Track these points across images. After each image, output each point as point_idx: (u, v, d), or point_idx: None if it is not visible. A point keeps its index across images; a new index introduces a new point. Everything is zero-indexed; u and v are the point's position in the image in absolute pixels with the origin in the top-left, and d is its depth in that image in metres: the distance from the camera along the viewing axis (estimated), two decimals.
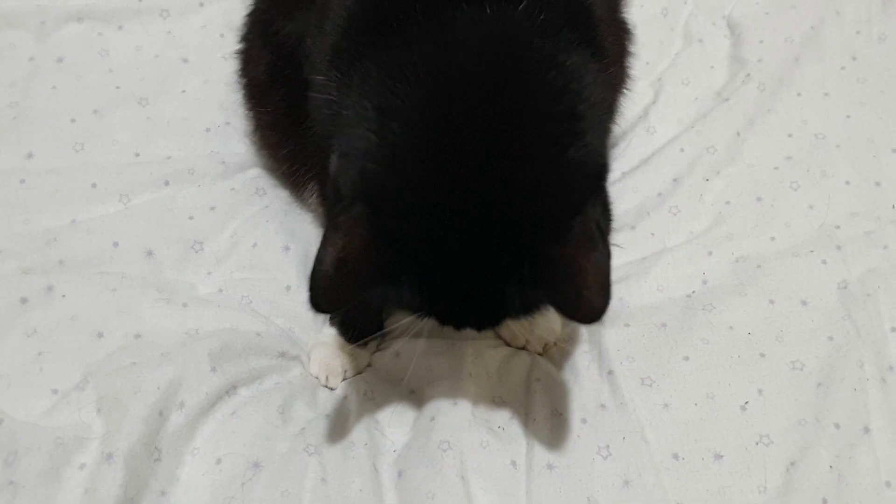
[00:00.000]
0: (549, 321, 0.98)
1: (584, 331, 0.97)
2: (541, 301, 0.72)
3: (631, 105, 1.20)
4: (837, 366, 0.90)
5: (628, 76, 1.05)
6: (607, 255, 0.70)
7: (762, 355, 0.91)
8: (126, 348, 0.89)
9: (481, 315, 0.75)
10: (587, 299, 0.68)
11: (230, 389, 0.88)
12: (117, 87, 1.14)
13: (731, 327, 0.94)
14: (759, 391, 0.88)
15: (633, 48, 1.08)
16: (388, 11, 0.72)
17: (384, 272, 0.69)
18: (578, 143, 0.69)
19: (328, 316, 0.98)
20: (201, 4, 1.24)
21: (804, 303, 0.96)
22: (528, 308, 0.73)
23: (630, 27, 1.04)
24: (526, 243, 0.68)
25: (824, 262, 1.01)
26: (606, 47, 0.81)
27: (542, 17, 0.70)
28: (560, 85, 0.70)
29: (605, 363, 0.92)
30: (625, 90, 1.06)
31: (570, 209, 0.68)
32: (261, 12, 1.02)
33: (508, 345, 0.97)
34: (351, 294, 0.70)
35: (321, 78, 0.77)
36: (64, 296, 0.92)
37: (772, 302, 0.96)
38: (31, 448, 0.79)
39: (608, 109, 0.77)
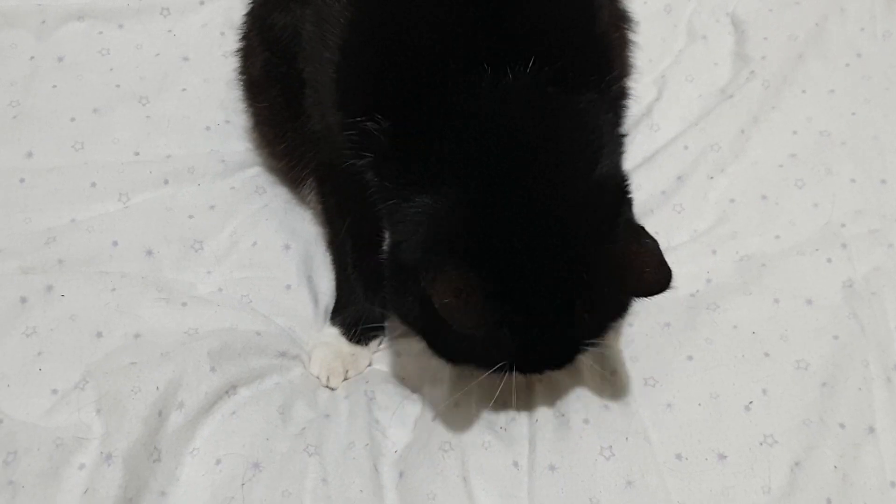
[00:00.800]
0: None
1: None
2: (607, 316, 0.80)
3: (634, 102, 1.19)
4: (842, 365, 0.90)
5: (631, 65, 1.04)
6: (655, 241, 0.78)
7: (766, 355, 0.91)
8: (125, 348, 0.88)
9: (561, 349, 0.81)
10: (651, 274, 0.76)
11: (230, 389, 0.88)
12: (117, 86, 1.13)
13: (735, 326, 0.93)
14: (764, 391, 0.88)
15: (634, 36, 1.07)
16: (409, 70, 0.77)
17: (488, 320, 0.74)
18: (600, 165, 0.79)
19: (329, 315, 0.97)
20: (202, 3, 1.23)
21: (809, 302, 0.96)
22: (598, 327, 0.80)
23: (630, 16, 1.03)
24: (586, 252, 0.76)
25: (829, 260, 1.00)
26: (614, 62, 0.90)
27: (556, 72, 0.78)
28: (578, 126, 0.79)
29: (608, 363, 0.91)
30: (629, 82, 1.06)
31: (611, 215, 0.78)
32: (258, 7, 1.01)
33: None
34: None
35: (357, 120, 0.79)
36: (63, 295, 0.91)
37: (776, 301, 0.96)
38: (30, 448, 0.79)
39: (618, 138, 0.85)
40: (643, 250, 0.77)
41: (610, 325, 0.82)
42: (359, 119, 0.78)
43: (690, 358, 0.91)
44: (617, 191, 0.81)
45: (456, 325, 0.72)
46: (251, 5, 1.04)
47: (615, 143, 0.83)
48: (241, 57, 1.04)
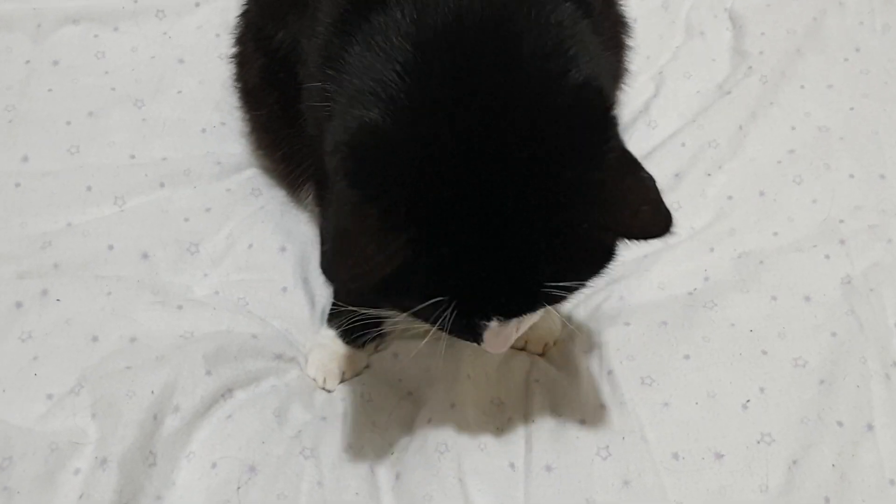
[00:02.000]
0: (549, 321, 0.97)
1: (585, 329, 0.96)
2: (584, 258, 0.67)
3: (632, 99, 1.19)
4: (840, 362, 0.89)
5: (626, 70, 1.03)
6: (653, 179, 0.66)
7: (764, 352, 0.90)
8: (121, 352, 0.88)
9: (517, 290, 0.66)
10: (648, 213, 0.65)
11: (226, 392, 0.88)
12: (113, 89, 1.13)
13: (732, 324, 0.93)
14: (761, 389, 0.87)
15: (631, 42, 1.07)
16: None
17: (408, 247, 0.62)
18: (577, 71, 0.65)
19: (326, 317, 0.97)
20: (197, 5, 1.23)
21: (807, 298, 0.95)
22: (570, 269, 0.66)
23: (628, 20, 1.02)
24: (557, 173, 0.63)
25: (827, 256, 0.99)
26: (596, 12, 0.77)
27: None
28: (547, 22, 0.67)
29: (604, 363, 0.91)
30: (623, 84, 1.06)
31: (596, 136, 0.65)
32: (253, 15, 1.00)
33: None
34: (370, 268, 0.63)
35: (317, 84, 0.75)
36: (59, 300, 0.92)
37: (774, 298, 0.95)
38: (25, 453, 0.79)
39: (600, 52, 0.72)
40: (639, 185, 0.65)
41: (588, 270, 0.68)
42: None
43: (687, 357, 0.90)
44: (601, 108, 0.67)
45: (344, 242, 0.61)
46: (245, 9, 1.03)
47: (597, 55, 0.70)
48: (237, 63, 1.03)
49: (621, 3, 1.02)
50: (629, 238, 0.67)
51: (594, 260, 0.68)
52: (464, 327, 0.69)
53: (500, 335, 0.71)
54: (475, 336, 0.71)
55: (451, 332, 0.70)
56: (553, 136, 0.63)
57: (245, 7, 1.02)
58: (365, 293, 0.72)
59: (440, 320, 0.66)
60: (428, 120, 0.63)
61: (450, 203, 0.62)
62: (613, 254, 0.69)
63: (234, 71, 1.05)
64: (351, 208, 0.62)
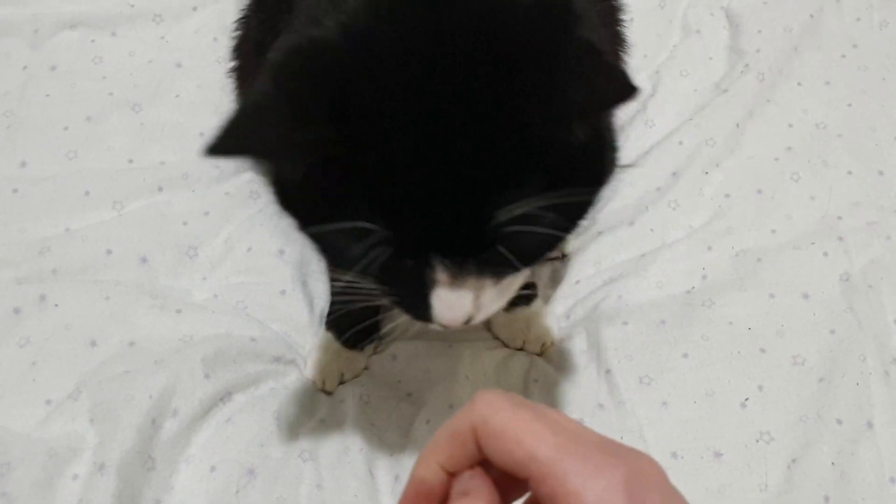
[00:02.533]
0: (546, 320, 0.97)
1: (583, 329, 0.96)
2: (538, 181, 0.55)
3: None
4: (839, 360, 0.89)
5: (623, 61, 1.03)
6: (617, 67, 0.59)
7: (762, 351, 0.90)
8: (119, 356, 0.88)
9: (464, 221, 0.56)
10: (605, 79, 0.55)
11: (224, 396, 0.88)
12: (110, 94, 1.13)
13: (730, 323, 0.93)
14: (760, 387, 0.87)
15: (628, 33, 1.06)
16: None
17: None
18: None
19: (325, 320, 0.97)
20: (194, 8, 1.23)
21: (805, 296, 0.95)
22: (522, 191, 0.55)
23: (626, 40, 1.02)
24: (509, 73, 0.55)
25: (826, 254, 0.99)
26: None
27: None
28: None
29: (602, 362, 0.91)
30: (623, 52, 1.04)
31: (551, 29, 0.56)
32: (252, 27, 0.98)
33: (506, 346, 0.97)
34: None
35: None
36: (57, 305, 0.92)
37: (772, 296, 0.95)
38: (23, 459, 0.79)
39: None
40: (595, 60, 0.56)
41: (551, 185, 0.55)
42: None
43: (686, 355, 0.90)
44: (560, 4, 0.58)
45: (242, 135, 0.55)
46: (244, 20, 1.00)
47: None
48: (237, 77, 1.02)
49: (621, 23, 1.01)
50: (589, 111, 0.57)
51: (557, 174, 0.56)
52: (404, 283, 0.59)
53: (453, 299, 0.59)
54: (422, 302, 0.60)
55: (391, 293, 0.61)
56: (504, 37, 0.56)
57: (243, 16, 1.01)
58: (283, 196, 0.63)
59: (371, 263, 0.57)
60: (363, 26, 0.56)
61: (381, 105, 0.54)
62: (581, 166, 0.58)
63: (233, 85, 1.04)
64: (262, 96, 0.56)
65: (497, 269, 0.60)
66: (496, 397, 0.44)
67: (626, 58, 1.06)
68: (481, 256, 0.58)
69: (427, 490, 0.45)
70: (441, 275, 0.58)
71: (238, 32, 1.02)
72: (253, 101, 0.58)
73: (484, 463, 0.44)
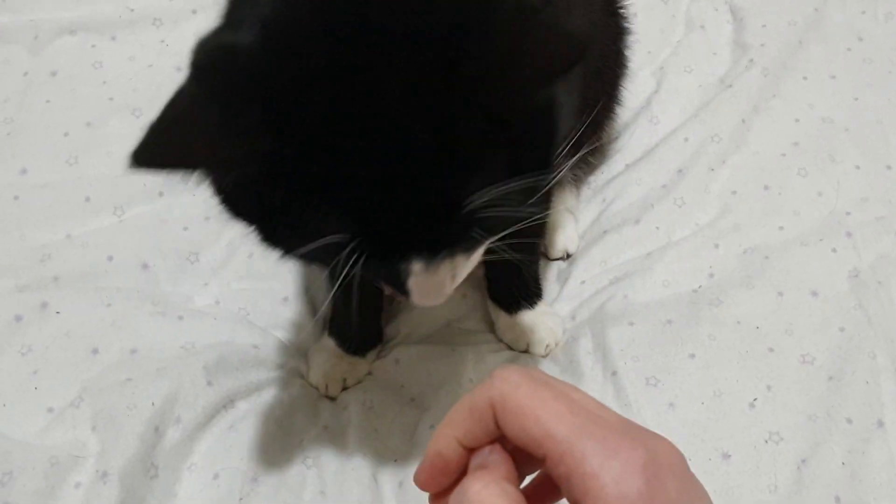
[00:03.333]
0: (551, 322, 0.96)
1: (588, 330, 0.94)
2: (503, 159, 0.53)
3: (633, 95, 1.18)
4: (849, 358, 0.88)
5: (624, 74, 1.03)
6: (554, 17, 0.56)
7: (771, 350, 0.89)
8: (121, 364, 0.88)
9: (435, 215, 0.53)
10: (547, 46, 0.52)
11: (227, 403, 0.87)
12: (111, 99, 1.13)
13: (738, 322, 0.91)
14: (768, 387, 0.86)
15: (632, 29, 1.06)
16: None
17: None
18: None
19: (327, 325, 0.96)
20: (194, 12, 1.23)
21: (814, 293, 0.94)
22: (489, 171, 0.53)
23: (627, 26, 1.01)
24: (450, 48, 0.51)
25: (834, 250, 0.98)
26: None
27: None
28: None
29: (609, 363, 0.90)
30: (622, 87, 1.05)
31: None
32: None
33: (510, 349, 0.96)
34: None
35: None
36: (58, 312, 0.91)
37: (780, 294, 0.94)
38: (25, 468, 0.79)
39: None
40: (533, 24, 0.52)
41: (515, 163, 0.54)
42: None
43: (692, 356, 0.89)
44: None
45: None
46: None
47: None
48: None
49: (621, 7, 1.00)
50: (537, 80, 0.53)
51: (516, 150, 0.54)
52: (379, 273, 0.58)
53: (429, 282, 0.57)
54: (397, 284, 0.58)
55: (364, 280, 0.58)
56: (433, 11, 0.52)
57: None
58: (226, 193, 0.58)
59: (343, 266, 0.54)
60: (283, 24, 0.54)
61: (318, 107, 0.51)
62: (541, 133, 0.56)
63: None
64: (187, 100, 0.53)
65: (468, 244, 0.58)
66: (516, 374, 0.43)
67: (626, 48, 1.06)
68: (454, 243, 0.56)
69: (444, 464, 0.44)
70: (416, 266, 0.56)
71: None
72: (177, 104, 0.53)
73: (501, 438, 0.43)
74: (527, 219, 0.57)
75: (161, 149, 0.52)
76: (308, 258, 0.58)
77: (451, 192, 0.53)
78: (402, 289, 0.59)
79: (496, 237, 0.58)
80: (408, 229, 0.54)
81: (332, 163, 0.52)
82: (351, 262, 0.54)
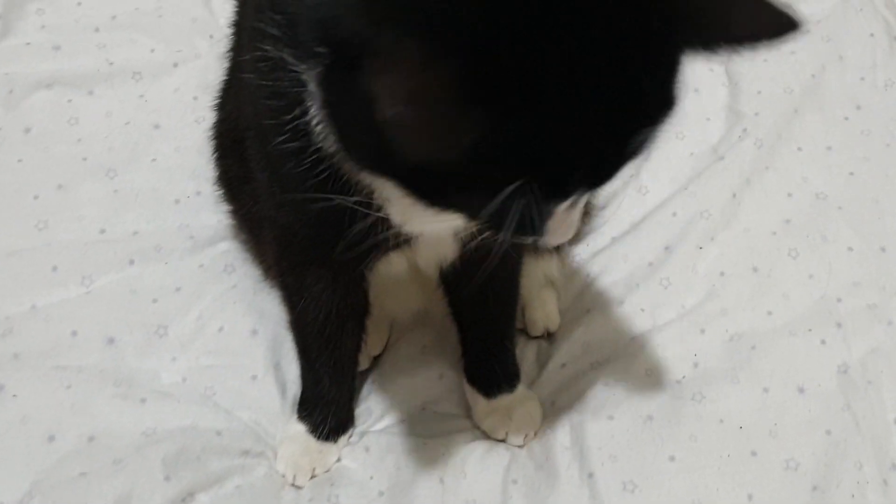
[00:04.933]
0: (529, 410, 0.93)
1: (567, 422, 0.91)
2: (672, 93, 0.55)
3: None
4: (835, 465, 0.84)
5: None
6: None
7: (753, 454, 0.85)
8: (77, 454, 0.85)
9: (612, 149, 0.54)
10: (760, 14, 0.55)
11: (186, 497, 0.84)
12: (84, 159, 1.10)
13: (721, 420, 0.88)
14: (750, 496, 0.82)
15: None
16: None
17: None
18: None
19: (297, 410, 0.93)
20: (175, 65, 1.20)
21: (801, 390, 0.90)
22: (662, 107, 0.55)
23: None
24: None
25: (823, 341, 0.94)
26: None
27: None
28: None
29: (585, 463, 0.86)
30: None
31: None
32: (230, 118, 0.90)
33: (487, 436, 0.92)
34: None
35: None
36: (15, 395, 0.88)
37: (766, 390, 0.90)
38: None
39: None
40: None
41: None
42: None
43: (673, 458, 0.85)
44: None
45: (418, 148, 0.51)
46: (220, 109, 0.96)
47: None
48: (217, 157, 0.97)
49: None
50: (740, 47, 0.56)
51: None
52: (529, 220, 0.55)
53: (567, 220, 0.58)
54: (537, 229, 0.56)
55: (509, 231, 0.55)
56: None
57: (220, 103, 0.96)
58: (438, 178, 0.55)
59: (510, 214, 0.53)
60: None
61: (528, 60, 0.49)
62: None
63: (215, 164, 0.98)
64: (418, 65, 0.48)
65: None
66: None
67: None
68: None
69: None
70: (564, 205, 0.56)
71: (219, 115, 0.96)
72: (409, 83, 0.48)
73: None
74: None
75: (422, 135, 0.50)
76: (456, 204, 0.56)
77: (631, 127, 0.53)
78: (539, 231, 0.57)
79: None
80: (589, 167, 0.54)
81: (539, 113, 0.50)
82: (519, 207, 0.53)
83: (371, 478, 0.89)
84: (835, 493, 0.82)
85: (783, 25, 0.55)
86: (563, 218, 0.57)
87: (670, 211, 1.08)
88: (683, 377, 0.93)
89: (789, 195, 1.09)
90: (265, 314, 1.00)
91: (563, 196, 0.56)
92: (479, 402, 0.94)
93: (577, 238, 1.10)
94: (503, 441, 0.92)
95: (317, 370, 0.91)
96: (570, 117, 0.51)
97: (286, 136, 0.64)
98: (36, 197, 1.06)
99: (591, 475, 0.85)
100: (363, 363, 0.97)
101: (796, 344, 0.94)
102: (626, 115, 0.53)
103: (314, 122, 0.61)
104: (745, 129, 1.15)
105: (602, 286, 1.04)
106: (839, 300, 0.98)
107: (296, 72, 0.59)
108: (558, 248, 1.06)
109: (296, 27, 0.58)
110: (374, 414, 0.95)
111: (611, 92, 0.51)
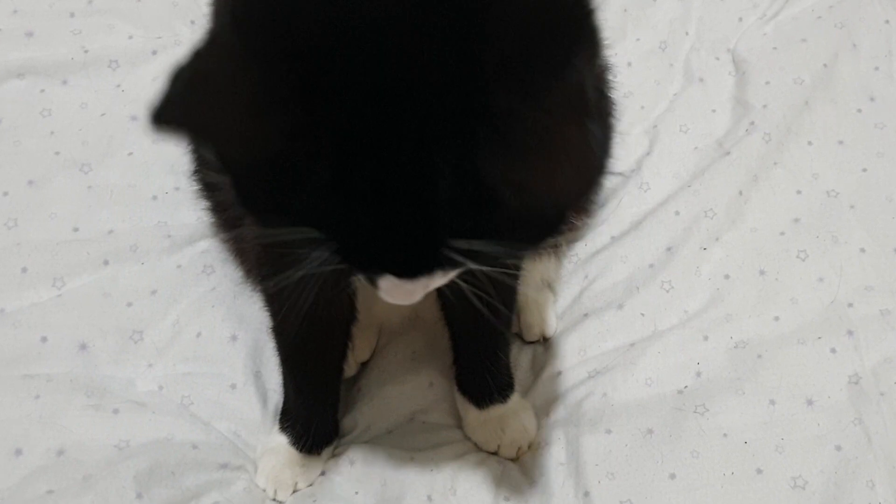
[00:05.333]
0: (523, 421, 0.88)
1: (563, 435, 0.86)
2: (496, 224, 0.50)
3: (623, 156, 1.09)
4: (845, 485, 0.79)
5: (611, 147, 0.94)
6: (602, 134, 0.51)
7: (759, 471, 0.81)
8: (45, 469, 0.80)
9: (413, 248, 0.51)
10: (561, 178, 0.49)
11: None
12: (57, 153, 1.04)
13: (725, 435, 0.83)
14: None
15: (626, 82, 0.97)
16: None
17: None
18: None
19: (278, 420, 0.88)
20: (154, 52, 1.14)
21: (809, 402, 0.85)
22: (478, 229, 0.50)
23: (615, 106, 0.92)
24: (476, 96, 0.47)
25: (833, 350, 0.89)
26: None
27: None
28: None
29: (581, 481, 0.81)
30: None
31: (542, 57, 0.48)
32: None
33: (479, 449, 0.88)
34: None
35: None
36: None
37: (772, 402, 0.85)
38: None
39: None
40: (572, 137, 0.48)
41: (508, 233, 0.51)
42: None
43: (673, 476, 0.81)
44: (564, 19, 0.49)
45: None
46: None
47: None
48: (194, 149, 0.91)
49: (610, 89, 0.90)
50: (527, 196, 0.49)
51: (517, 223, 0.51)
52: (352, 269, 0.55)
53: (402, 289, 0.56)
54: (369, 279, 0.56)
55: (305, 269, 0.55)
56: (496, 46, 0.47)
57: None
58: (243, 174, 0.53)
59: (316, 261, 0.52)
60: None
61: (349, 109, 0.47)
62: (543, 225, 0.53)
63: (198, 187, 0.93)
64: (226, 55, 0.48)
65: (448, 267, 0.54)
66: None
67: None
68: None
69: None
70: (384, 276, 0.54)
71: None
72: (211, 55, 0.48)
73: None
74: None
75: (189, 108, 0.48)
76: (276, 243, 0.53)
77: (435, 234, 0.50)
78: (373, 284, 0.56)
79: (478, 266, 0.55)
80: (388, 254, 0.52)
81: (345, 169, 0.48)
82: (324, 260, 0.52)
83: (356, 493, 0.84)
84: None
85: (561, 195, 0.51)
86: (396, 285, 0.55)
87: (673, 209, 1.03)
88: (685, 387, 0.88)
89: (799, 193, 1.04)
90: (245, 319, 0.95)
91: (360, 268, 0.54)
92: (471, 413, 0.90)
93: (575, 237, 1.05)
94: (495, 454, 0.88)
95: (299, 380, 0.87)
96: (366, 192, 0.48)
97: None
98: (5, 193, 1.00)
99: (587, 494, 0.80)
100: (349, 370, 0.93)
101: (805, 352, 0.89)
102: (424, 218, 0.49)
103: None
104: (752, 122, 1.09)
105: (600, 289, 0.99)
106: (850, 305, 0.93)
107: None
108: (556, 249, 1.01)
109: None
110: (361, 424, 0.90)
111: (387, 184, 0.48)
